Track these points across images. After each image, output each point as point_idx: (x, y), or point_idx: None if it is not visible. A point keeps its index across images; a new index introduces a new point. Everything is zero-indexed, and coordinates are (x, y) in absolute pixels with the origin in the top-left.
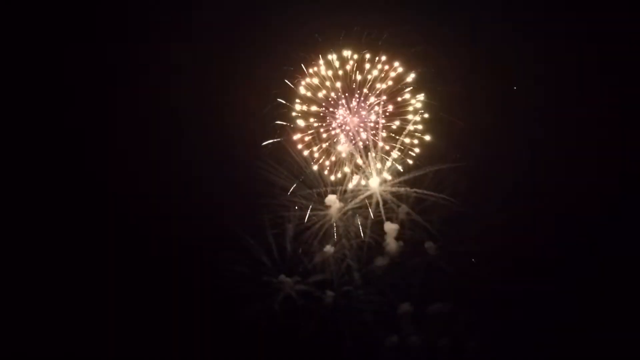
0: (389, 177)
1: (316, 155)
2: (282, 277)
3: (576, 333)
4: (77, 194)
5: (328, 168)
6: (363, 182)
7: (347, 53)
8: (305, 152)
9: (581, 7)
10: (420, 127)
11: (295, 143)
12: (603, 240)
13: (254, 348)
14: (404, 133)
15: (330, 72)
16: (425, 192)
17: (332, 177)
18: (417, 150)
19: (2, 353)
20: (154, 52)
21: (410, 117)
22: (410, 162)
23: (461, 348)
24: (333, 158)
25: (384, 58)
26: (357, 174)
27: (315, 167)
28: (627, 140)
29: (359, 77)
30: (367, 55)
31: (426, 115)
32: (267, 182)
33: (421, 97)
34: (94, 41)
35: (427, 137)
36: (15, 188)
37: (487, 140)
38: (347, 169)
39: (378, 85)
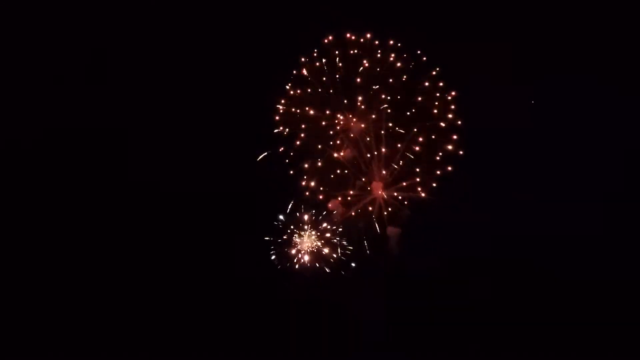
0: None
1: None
2: (283, 282)
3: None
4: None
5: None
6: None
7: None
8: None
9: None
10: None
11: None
12: (608, 243)
13: (255, 351)
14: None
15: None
16: (428, 196)
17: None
18: (449, 168)
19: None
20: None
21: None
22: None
23: (461, 351)
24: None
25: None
26: (359, 179)
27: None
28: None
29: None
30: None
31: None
32: (268, 186)
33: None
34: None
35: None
36: None
37: (489, 144)
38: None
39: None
